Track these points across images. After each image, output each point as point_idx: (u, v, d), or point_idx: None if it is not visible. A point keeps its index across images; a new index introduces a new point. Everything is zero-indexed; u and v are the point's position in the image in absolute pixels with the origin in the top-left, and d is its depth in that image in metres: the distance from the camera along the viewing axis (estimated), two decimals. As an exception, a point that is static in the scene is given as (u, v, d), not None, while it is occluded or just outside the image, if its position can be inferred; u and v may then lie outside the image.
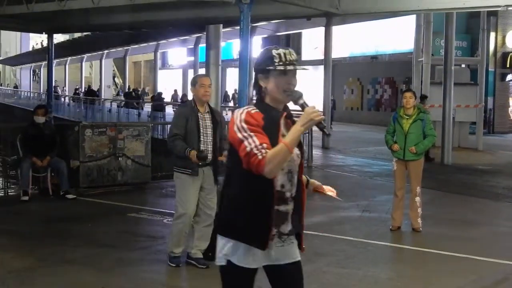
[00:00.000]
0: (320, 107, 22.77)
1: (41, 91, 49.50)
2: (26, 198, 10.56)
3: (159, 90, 36.16)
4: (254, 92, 3.39)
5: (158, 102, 30.40)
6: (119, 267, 6.91)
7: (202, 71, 19.50)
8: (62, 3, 10.52)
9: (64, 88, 51.25)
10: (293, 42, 41.53)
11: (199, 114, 6.63)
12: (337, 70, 33.37)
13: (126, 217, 9.51)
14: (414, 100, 8.64)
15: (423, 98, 17.25)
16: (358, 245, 8.04)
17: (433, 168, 15.86)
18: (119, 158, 11.84)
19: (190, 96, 6.88)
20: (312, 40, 37.82)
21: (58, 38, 44.21)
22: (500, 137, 28.48)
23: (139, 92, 40.35)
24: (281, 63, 3.27)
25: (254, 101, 3.37)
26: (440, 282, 6.63)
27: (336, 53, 28.01)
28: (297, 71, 3.36)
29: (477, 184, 13.87)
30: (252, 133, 3.16)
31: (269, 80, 3.30)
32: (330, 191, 3.72)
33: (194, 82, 6.73)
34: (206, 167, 6.67)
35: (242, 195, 3.30)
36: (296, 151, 3.35)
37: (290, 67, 3.28)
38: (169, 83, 44.66)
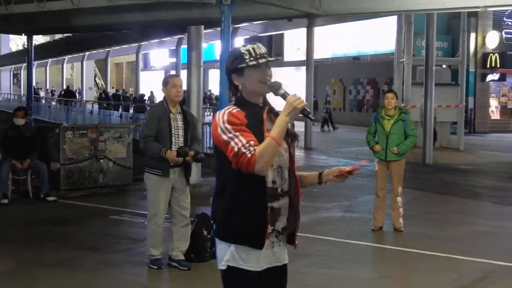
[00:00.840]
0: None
1: (22, 93, 49.10)
2: (6, 201, 10.47)
3: (141, 91, 36.02)
4: (232, 92, 3.38)
5: (140, 104, 30.30)
6: (100, 270, 6.87)
7: (184, 72, 19.43)
8: (42, 4, 10.43)
9: (53, 90, 50.84)
10: (275, 43, 41.58)
11: (171, 115, 6.60)
12: (319, 71, 33.47)
13: (108, 219, 9.46)
14: (396, 100, 8.67)
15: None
16: (340, 246, 8.06)
17: (414, 168, 15.94)
18: (101, 160, 11.78)
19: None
20: (294, 41, 37.90)
21: (39, 39, 43.98)
22: (481, 137, 28.70)
23: (127, 94, 40.07)
24: (252, 58, 3.25)
25: (233, 101, 3.35)
26: (422, 281, 6.66)
27: (318, 54, 28.08)
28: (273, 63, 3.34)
29: (458, 184, 13.95)
30: (237, 133, 3.13)
31: (244, 77, 3.29)
32: (350, 169, 3.43)
33: (165, 83, 6.69)
34: (177, 167, 6.65)
35: (234, 197, 3.24)
36: (284, 145, 3.31)
37: (262, 60, 3.26)
38: (151, 85, 44.52)
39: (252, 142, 3.11)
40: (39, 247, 7.90)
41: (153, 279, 6.65)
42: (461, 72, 22.12)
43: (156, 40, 31.25)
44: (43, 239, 8.33)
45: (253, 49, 3.29)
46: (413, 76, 21.66)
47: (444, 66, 26.84)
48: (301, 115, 3.18)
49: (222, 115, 3.21)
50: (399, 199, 8.67)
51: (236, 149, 3.10)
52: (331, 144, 22.46)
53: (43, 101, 40.21)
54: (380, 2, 11.68)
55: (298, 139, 3.46)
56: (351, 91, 36.10)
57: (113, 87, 50.36)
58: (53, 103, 38.02)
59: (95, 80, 61.22)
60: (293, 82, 38.03)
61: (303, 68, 22.67)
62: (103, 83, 56.40)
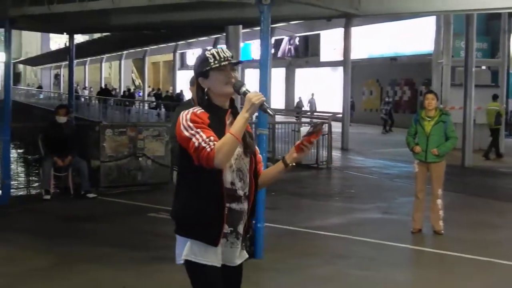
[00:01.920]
0: (339, 108, 22.72)
1: (61, 91, 49.79)
2: (48, 197, 10.65)
3: (178, 90, 36.29)
4: (199, 95, 3.50)
5: (177, 103, 30.50)
6: (138, 266, 6.95)
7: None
8: (83, 4, 10.55)
9: (91, 89, 51.46)
10: (312, 43, 41.46)
11: None
12: (355, 71, 33.25)
13: (146, 216, 9.55)
14: (436, 101, 8.59)
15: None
16: (378, 247, 8.00)
17: (453, 170, 15.74)
18: (139, 158, 11.89)
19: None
20: (330, 41, 37.73)
21: (78, 38, 44.48)
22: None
23: (169, 93, 40.30)
24: (216, 62, 3.40)
25: (200, 102, 3.48)
26: (461, 285, 6.59)
27: (354, 54, 27.91)
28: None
29: (498, 187, 13.76)
30: (198, 130, 3.28)
31: (209, 80, 3.43)
32: (309, 138, 3.51)
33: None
34: None
35: (192, 193, 3.38)
36: (240, 148, 3.41)
37: (224, 63, 3.40)
38: (187, 84, 44.71)
39: (212, 138, 3.26)
40: (79, 243, 8.03)
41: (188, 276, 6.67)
42: (502, 73, 21.77)
43: (193, 40, 31.41)
44: (83, 235, 8.46)
45: (217, 53, 3.45)
46: (452, 78, 21.38)
47: (483, 67, 26.46)
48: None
49: (186, 114, 3.36)
50: (439, 201, 8.57)
51: (196, 144, 3.24)
52: (368, 145, 22.31)
53: (82, 99, 40.68)
54: (419, 2, 11.55)
55: (253, 151, 3.52)
56: (388, 92, 35.80)
57: (149, 86, 50.70)
58: (93, 101, 38.46)
59: (132, 80, 61.83)
60: (329, 82, 38.04)
61: (340, 68, 22.60)
62: (140, 82, 56.91)
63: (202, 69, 3.44)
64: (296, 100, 37.61)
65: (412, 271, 7.36)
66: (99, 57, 46.18)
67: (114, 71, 60.89)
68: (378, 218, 9.86)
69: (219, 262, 3.42)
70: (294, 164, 3.57)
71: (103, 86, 45.97)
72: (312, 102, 34.83)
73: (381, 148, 21.26)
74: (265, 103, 3.27)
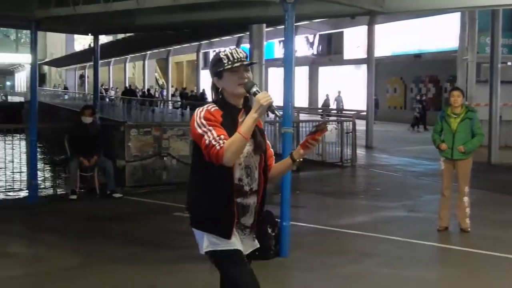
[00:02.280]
0: (363, 106, 22.62)
1: (86, 91, 50.19)
2: (75, 197, 10.75)
3: (201, 90, 36.40)
4: (213, 94, 3.63)
5: (201, 102, 30.61)
6: (165, 266, 6.98)
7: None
8: (108, 5, 10.62)
9: (117, 89, 51.75)
10: (335, 41, 41.32)
11: None
12: (379, 68, 33.07)
13: (172, 216, 9.59)
14: (462, 98, 8.51)
15: None
16: (404, 245, 7.95)
17: (479, 167, 15.59)
18: (164, 158, 11.95)
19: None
20: (354, 39, 37.57)
21: (102, 39, 44.80)
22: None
23: (194, 93, 40.42)
24: (229, 63, 3.50)
25: (215, 100, 3.60)
26: (490, 283, 6.52)
27: (378, 52, 27.75)
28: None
29: (526, 184, 13.60)
30: (210, 127, 3.40)
31: (223, 80, 3.55)
32: (314, 136, 3.60)
33: None
34: None
35: (203, 188, 3.55)
36: (250, 146, 3.52)
37: (237, 64, 3.50)
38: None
39: (222, 136, 3.38)
40: (105, 242, 8.08)
41: (216, 275, 6.69)
42: (527, 69, 21.53)
43: (216, 39, 31.47)
44: (109, 235, 8.52)
45: (231, 54, 3.56)
46: (477, 74, 21.17)
47: (509, 63, 26.16)
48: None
49: (200, 111, 3.50)
50: (465, 198, 8.50)
51: (207, 141, 3.38)
52: (393, 143, 22.20)
53: (107, 99, 40.97)
54: (444, -2, 11.47)
55: (263, 150, 3.63)
56: (412, 89, 35.56)
57: (172, 86, 50.89)
58: (118, 101, 38.69)
59: (155, 80, 62.14)
60: (353, 80, 37.89)
61: (363, 66, 22.52)
62: (163, 82, 57.16)
63: (216, 69, 3.56)
64: (323, 98, 37.46)
65: (438, 269, 7.30)
66: (123, 57, 46.46)
67: (138, 71, 61.20)
68: (404, 216, 9.80)
69: (240, 246, 3.60)
70: (301, 159, 3.67)
71: (127, 86, 46.24)
72: (338, 100, 34.63)
73: (406, 146, 21.13)
74: (273, 104, 3.37)
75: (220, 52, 3.59)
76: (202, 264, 6.84)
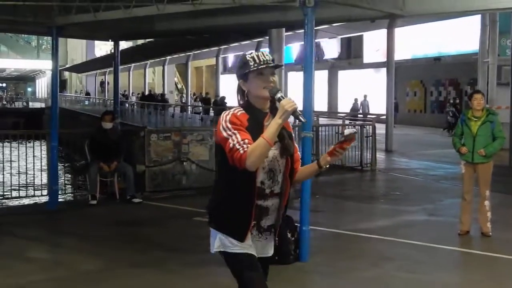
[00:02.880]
0: (383, 109, 22.54)
1: (106, 97, 50.50)
2: (95, 202, 10.81)
3: (221, 95, 36.46)
4: (239, 97, 3.61)
5: (221, 107, 30.64)
6: (186, 270, 6.99)
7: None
8: (128, 11, 10.68)
9: (138, 94, 51.94)
10: (355, 45, 41.24)
11: None
12: (399, 72, 32.91)
13: (192, 221, 9.61)
14: (484, 101, 8.46)
15: None
16: (425, 250, 7.90)
17: (500, 171, 15.46)
18: (184, 163, 11.98)
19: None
20: (373, 42, 37.47)
21: (122, 45, 45.08)
22: None
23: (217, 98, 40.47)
24: (255, 65, 3.49)
25: (241, 103, 3.59)
26: (512, 288, 6.46)
27: (398, 55, 27.63)
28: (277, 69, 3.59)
29: (548, 188, 13.44)
30: (235, 131, 3.40)
31: (249, 83, 3.54)
32: (342, 145, 3.60)
33: None
34: None
35: (226, 190, 3.57)
36: (276, 150, 3.51)
37: (263, 66, 3.49)
38: (230, 88, 44.91)
39: (246, 140, 3.37)
40: (126, 247, 8.12)
41: (235, 280, 6.69)
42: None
43: (236, 44, 31.54)
44: (129, 240, 8.56)
45: (258, 56, 3.55)
46: (498, 77, 21.03)
47: (530, 65, 25.95)
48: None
49: (226, 115, 3.48)
50: (486, 202, 8.44)
51: (231, 145, 3.38)
52: (413, 146, 22.08)
53: (127, 105, 41.19)
54: (464, 0, 11.39)
55: (291, 153, 3.61)
56: (432, 93, 35.37)
57: (194, 94, 51.05)
58: (138, 107, 38.85)
59: (175, 85, 62.36)
60: (372, 84, 37.76)
61: (383, 69, 22.41)
62: (183, 86, 57.36)
63: (243, 72, 3.56)
64: (343, 101, 37.19)
65: (460, 274, 7.25)
66: (143, 63, 46.72)
67: (157, 77, 61.49)
68: (424, 220, 9.74)
69: (253, 250, 3.60)
70: (327, 166, 3.67)
71: (146, 92, 46.42)
72: (364, 104, 34.28)
73: (426, 150, 21.02)
74: (297, 110, 3.37)
75: (246, 54, 3.59)
76: (225, 267, 6.89)
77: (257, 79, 3.51)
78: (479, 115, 8.35)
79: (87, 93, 61.93)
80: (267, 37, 16.21)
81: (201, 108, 34.37)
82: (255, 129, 3.43)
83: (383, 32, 22.73)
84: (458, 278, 7.04)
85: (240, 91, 3.61)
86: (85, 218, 10.10)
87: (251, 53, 3.58)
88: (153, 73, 62.96)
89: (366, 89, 36.62)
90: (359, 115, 29.56)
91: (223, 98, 35.21)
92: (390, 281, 6.66)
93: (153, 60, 44.88)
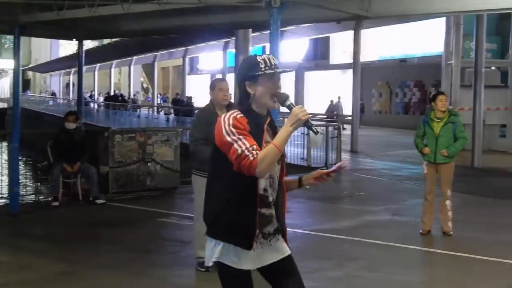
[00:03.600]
0: (348, 110, 22.72)
1: (71, 97, 50.00)
2: (57, 203, 10.66)
3: (187, 95, 36.31)
4: (241, 99, 3.48)
5: (188, 107, 30.53)
6: (149, 272, 6.94)
7: (231, 76, 19.47)
8: (92, 10, 10.59)
9: (100, 94, 51.54)
10: (322, 46, 41.45)
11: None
12: (365, 73, 33.17)
13: (156, 222, 9.56)
14: (447, 103, 8.58)
15: None
16: (388, 249, 7.97)
17: (463, 171, 15.69)
18: (148, 163, 11.89)
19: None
20: (340, 43, 37.71)
21: (87, 44, 44.73)
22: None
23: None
24: (267, 68, 3.39)
25: (239, 106, 3.47)
26: (473, 286, 6.54)
27: (364, 57, 27.86)
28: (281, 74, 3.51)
29: (508, 187, 13.69)
30: (240, 136, 3.27)
31: (258, 85, 3.41)
32: (328, 171, 3.65)
33: (212, 86, 6.74)
34: None
35: (227, 197, 3.40)
36: None
37: (277, 71, 3.41)
38: (197, 88, 44.76)
39: (254, 146, 3.26)
40: (89, 249, 8.03)
41: (201, 281, 6.68)
42: (511, 73, 21.67)
43: (203, 44, 31.48)
44: (92, 242, 8.47)
45: (269, 59, 3.44)
46: (462, 79, 21.32)
47: (493, 68, 26.38)
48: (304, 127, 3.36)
49: (227, 118, 3.35)
50: (448, 202, 8.54)
51: (239, 151, 3.24)
52: (378, 147, 22.27)
53: (92, 105, 40.86)
54: (429, 3, 11.52)
55: (284, 157, 3.57)
56: (397, 94, 35.73)
57: (159, 93, 50.81)
58: (101, 107, 38.58)
59: (141, 85, 62.03)
60: (339, 85, 38.00)
61: (349, 71, 22.57)
62: (149, 86, 57.06)
63: (252, 73, 3.41)
64: (311, 103, 37.32)
65: (421, 273, 7.32)
66: (108, 62, 46.36)
67: (123, 77, 61.09)
68: (388, 220, 9.83)
69: (253, 265, 3.48)
70: (308, 187, 3.66)
71: (112, 92, 46.02)
72: (338, 106, 34.28)
73: (391, 150, 21.20)
74: (309, 120, 3.31)
75: (256, 56, 3.47)
76: (188, 270, 6.86)
77: (268, 83, 3.40)
78: (441, 116, 8.45)
79: (53, 93, 61.25)
80: (234, 38, 16.20)
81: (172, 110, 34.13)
82: (256, 133, 3.34)
83: (350, 34, 22.88)
84: (420, 277, 7.10)
85: (245, 93, 3.46)
86: (47, 220, 9.95)
87: (261, 55, 3.47)
88: (119, 73, 62.51)
89: (333, 90, 36.85)
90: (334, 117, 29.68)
91: (190, 98, 35.09)
92: (354, 281, 6.69)
93: (119, 60, 44.57)
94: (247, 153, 3.22)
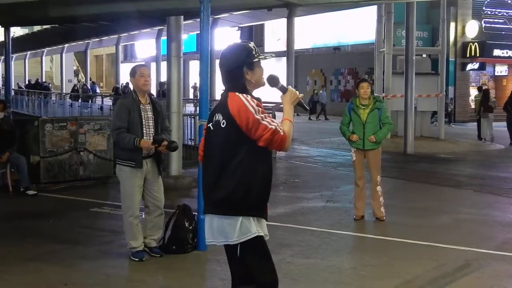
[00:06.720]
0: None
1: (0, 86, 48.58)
2: (-15, 195, 10.37)
3: (121, 83, 35.80)
4: (239, 84, 3.69)
5: (119, 96, 30.07)
6: (82, 263, 6.82)
7: (164, 64, 19.22)
8: (18, -5, 10.29)
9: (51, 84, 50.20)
10: (256, 34, 41.48)
11: (141, 106, 6.58)
12: (300, 61, 33.41)
13: (88, 212, 9.39)
14: (370, 90, 8.71)
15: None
16: (322, 235, 8.05)
17: (395, 157, 16.00)
18: (81, 153, 11.68)
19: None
20: (275, 31, 37.83)
21: (17, 31, 43.53)
22: (461, 126, 28.88)
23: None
24: (259, 54, 3.72)
25: (235, 90, 3.71)
26: (404, 269, 6.67)
27: (299, 45, 27.99)
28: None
29: (439, 173, 14.02)
30: (265, 114, 3.60)
31: (254, 71, 3.72)
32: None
33: (133, 73, 6.65)
34: (149, 158, 6.65)
35: (253, 172, 3.68)
36: None
37: (269, 56, 3.83)
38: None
39: (279, 123, 3.61)
40: (19, 241, 7.81)
41: (135, 271, 6.60)
42: (441, 61, 22.14)
43: (136, 32, 31.05)
44: (23, 233, 8.24)
45: (254, 47, 3.77)
46: (394, 66, 21.68)
47: (424, 55, 26.92)
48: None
49: (250, 99, 3.61)
50: (378, 188, 8.69)
51: (273, 127, 3.53)
52: (312, 135, 22.48)
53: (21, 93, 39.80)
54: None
55: None
56: (331, 82, 36.13)
57: (90, 80, 49.87)
58: (31, 96, 37.64)
59: (75, 73, 60.77)
60: (273, 72, 38.17)
61: (284, 58, 22.62)
62: (83, 75, 55.98)
63: (251, 60, 3.68)
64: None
65: (354, 258, 7.41)
66: (39, 50, 45.21)
67: (55, 65, 59.72)
68: (322, 207, 9.92)
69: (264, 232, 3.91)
70: None
71: (36, 80, 44.82)
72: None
73: (326, 137, 21.43)
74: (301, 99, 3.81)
75: (247, 43, 3.74)
76: (122, 260, 6.76)
77: (260, 68, 3.75)
78: (366, 103, 8.59)
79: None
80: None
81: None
82: None
83: (284, 22, 22.94)
84: (353, 262, 7.20)
85: (242, 79, 3.69)
86: (-25, 212, 9.66)
87: (250, 43, 3.76)
88: (50, 61, 61.06)
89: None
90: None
91: (127, 85, 34.62)
92: (287, 267, 6.72)
93: (50, 48, 43.50)
94: (279, 129, 3.54)
